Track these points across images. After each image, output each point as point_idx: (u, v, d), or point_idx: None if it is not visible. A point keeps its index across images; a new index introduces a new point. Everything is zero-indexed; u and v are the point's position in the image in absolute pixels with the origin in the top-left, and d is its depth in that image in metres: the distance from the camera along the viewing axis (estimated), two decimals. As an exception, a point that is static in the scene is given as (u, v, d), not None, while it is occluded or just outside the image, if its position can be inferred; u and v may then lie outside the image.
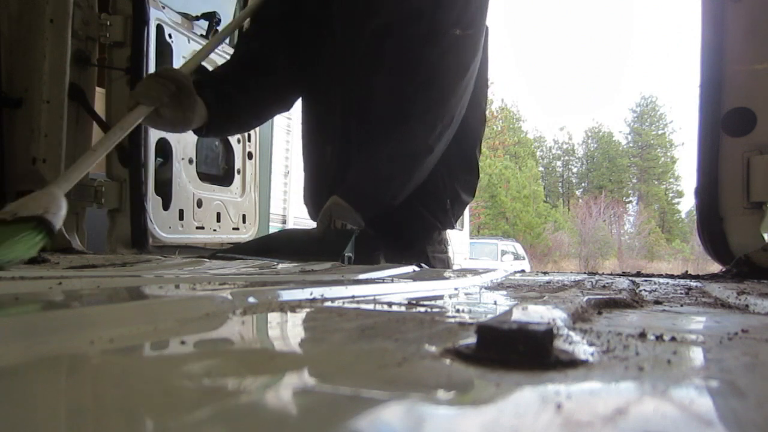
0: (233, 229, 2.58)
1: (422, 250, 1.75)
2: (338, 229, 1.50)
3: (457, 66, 1.59)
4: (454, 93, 1.58)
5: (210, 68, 1.96)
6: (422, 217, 1.73)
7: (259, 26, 1.80)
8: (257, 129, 2.72)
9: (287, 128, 6.23)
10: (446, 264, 1.82)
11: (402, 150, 1.55)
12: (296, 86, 1.81)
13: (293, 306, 0.61)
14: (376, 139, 1.59)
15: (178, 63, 2.25)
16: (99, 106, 2.12)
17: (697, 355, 0.43)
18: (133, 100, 1.41)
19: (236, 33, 2.73)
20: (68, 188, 1.26)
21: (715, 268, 1.69)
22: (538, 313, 0.52)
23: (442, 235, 1.84)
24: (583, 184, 45.96)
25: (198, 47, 2.37)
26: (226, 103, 1.59)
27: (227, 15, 2.64)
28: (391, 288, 0.88)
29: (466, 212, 14.42)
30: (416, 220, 1.72)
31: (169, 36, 2.20)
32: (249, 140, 2.70)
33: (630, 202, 43.06)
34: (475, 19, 1.61)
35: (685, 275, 1.58)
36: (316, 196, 1.78)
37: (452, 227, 1.83)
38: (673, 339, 0.46)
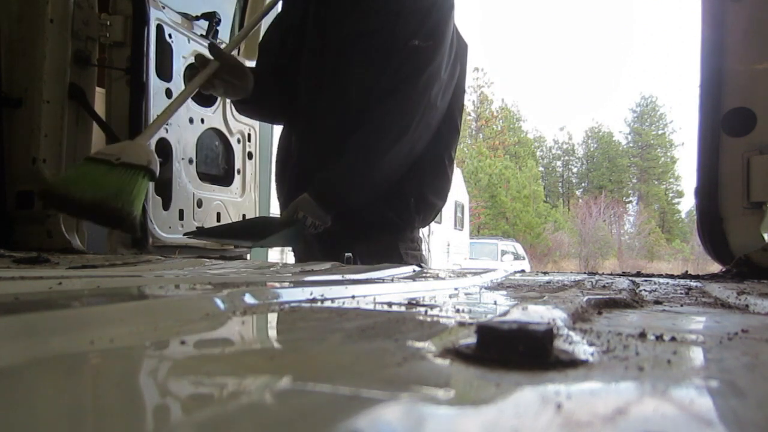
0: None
1: (395, 247, 1.81)
2: (293, 218, 1.68)
3: (412, 75, 1.67)
4: (409, 100, 1.67)
5: None
6: (386, 216, 1.79)
7: (270, 34, 1.98)
8: (257, 128, 2.72)
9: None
10: (420, 261, 1.87)
11: (360, 156, 1.68)
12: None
13: (293, 306, 0.61)
14: (341, 144, 1.71)
15: (178, 63, 2.25)
16: (99, 106, 2.12)
17: (697, 355, 0.43)
18: (201, 60, 1.68)
19: (234, 31, 2.73)
20: (150, 139, 1.56)
21: (715, 268, 1.69)
22: (538, 313, 0.52)
23: (414, 233, 1.90)
24: (583, 184, 45.96)
25: (198, 47, 2.37)
26: (264, 85, 1.83)
27: (227, 15, 2.64)
28: (391, 288, 0.88)
29: (466, 212, 14.44)
30: (381, 218, 1.79)
31: (169, 36, 2.20)
32: (249, 140, 2.70)
33: (630, 202, 43.08)
34: (434, 31, 1.69)
35: (685, 275, 1.58)
36: (283, 190, 1.94)
37: (415, 226, 1.88)
38: (673, 339, 0.46)
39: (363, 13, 1.74)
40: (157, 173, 1.43)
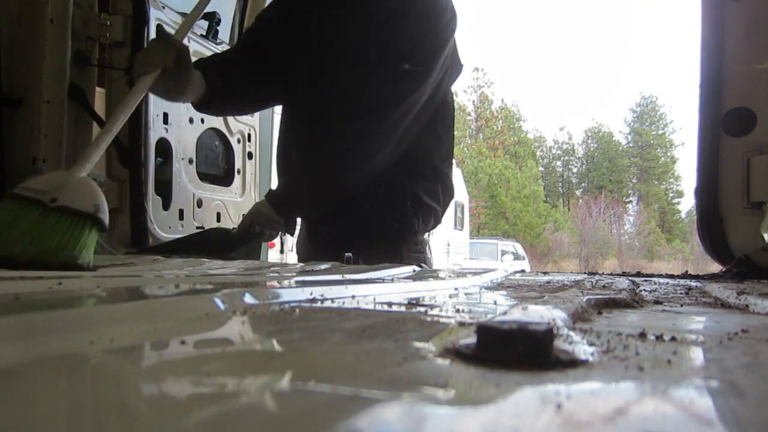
0: (231, 228, 2.58)
1: (397, 251, 1.80)
2: (250, 232, 1.74)
3: (395, 97, 1.66)
4: (386, 123, 1.66)
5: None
6: (386, 221, 1.79)
7: (263, 24, 1.96)
8: (257, 128, 2.72)
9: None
10: (424, 263, 1.86)
11: (326, 168, 1.70)
12: (282, 87, 1.93)
13: (293, 306, 0.61)
14: (312, 153, 1.74)
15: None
16: (99, 106, 2.12)
17: (697, 355, 0.43)
18: (137, 70, 1.46)
19: (234, 31, 2.73)
20: (89, 170, 1.19)
21: (715, 268, 1.69)
22: (538, 313, 0.52)
23: (417, 237, 1.89)
24: (583, 184, 45.97)
25: (198, 47, 2.37)
26: (226, 80, 1.75)
27: (227, 15, 2.64)
28: (391, 288, 0.88)
29: (466, 212, 14.43)
30: (381, 224, 1.79)
31: (169, 36, 2.20)
32: (249, 140, 2.70)
33: (630, 202, 43.09)
34: (426, 58, 1.67)
35: (685, 275, 1.58)
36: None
37: (416, 229, 1.85)
38: (673, 339, 0.46)
39: (359, 27, 1.73)
40: (107, 221, 1.09)
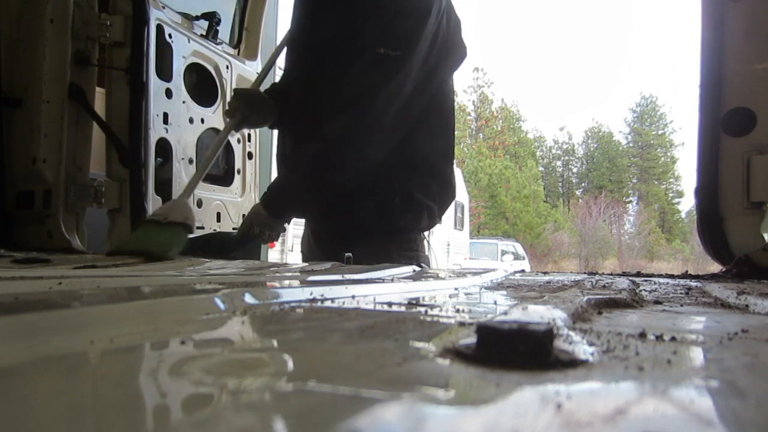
0: (233, 228, 2.58)
1: (386, 249, 1.75)
2: (250, 234, 1.79)
3: (376, 86, 1.63)
4: (369, 115, 1.64)
5: None
6: (371, 218, 1.76)
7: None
8: (257, 129, 2.73)
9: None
10: (419, 261, 1.81)
11: (313, 166, 1.69)
12: None
13: (293, 306, 0.62)
14: (301, 152, 1.74)
15: (178, 63, 2.25)
16: (99, 106, 2.12)
17: (697, 355, 0.43)
18: (226, 115, 1.91)
19: (234, 31, 2.73)
20: (189, 196, 1.84)
21: (715, 268, 1.69)
22: (538, 313, 0.52)
23: (409, 235, 1.83)
24: (583, 184, 45.97)
25: (198, 47, 2.38)
26: (285, 105, 1.91)
27: (227, 15, 2.64)
28: (391, 288, 0.88)
29: (466, 212, 14.42)
30: (366, 219, 1.77)
31: (169, 36, 2.20)
32: (249, 140, 2.70)
33: (630, 202, 43.08)
34: (403, 40, 1.63)
35: (685, 275, 1.58)
36: None
37: (403, 227, 1.80)
38: (673, 339, 0.46)
39: (337, 17, 1.73)
40: (194, 226, 1.73)
